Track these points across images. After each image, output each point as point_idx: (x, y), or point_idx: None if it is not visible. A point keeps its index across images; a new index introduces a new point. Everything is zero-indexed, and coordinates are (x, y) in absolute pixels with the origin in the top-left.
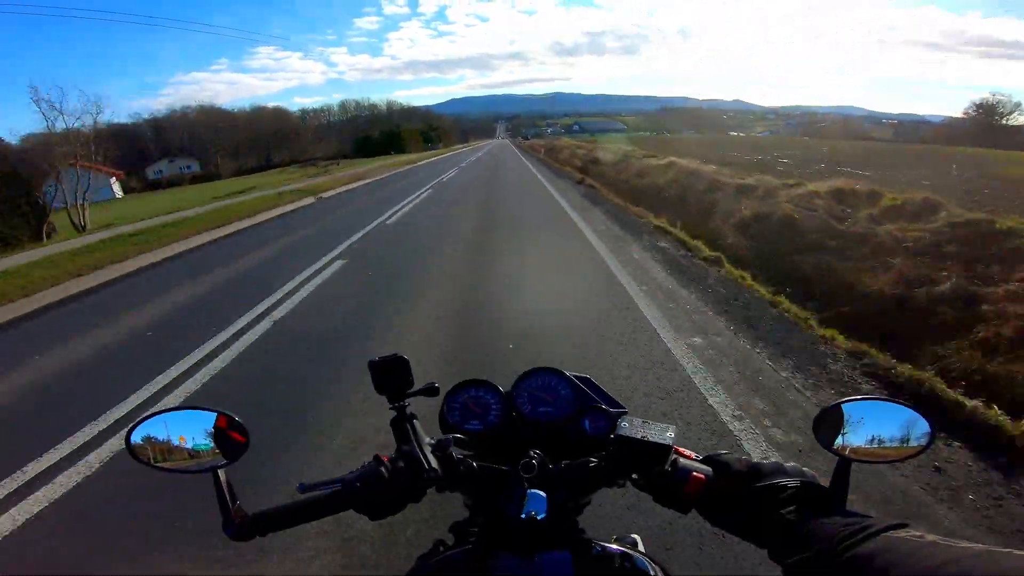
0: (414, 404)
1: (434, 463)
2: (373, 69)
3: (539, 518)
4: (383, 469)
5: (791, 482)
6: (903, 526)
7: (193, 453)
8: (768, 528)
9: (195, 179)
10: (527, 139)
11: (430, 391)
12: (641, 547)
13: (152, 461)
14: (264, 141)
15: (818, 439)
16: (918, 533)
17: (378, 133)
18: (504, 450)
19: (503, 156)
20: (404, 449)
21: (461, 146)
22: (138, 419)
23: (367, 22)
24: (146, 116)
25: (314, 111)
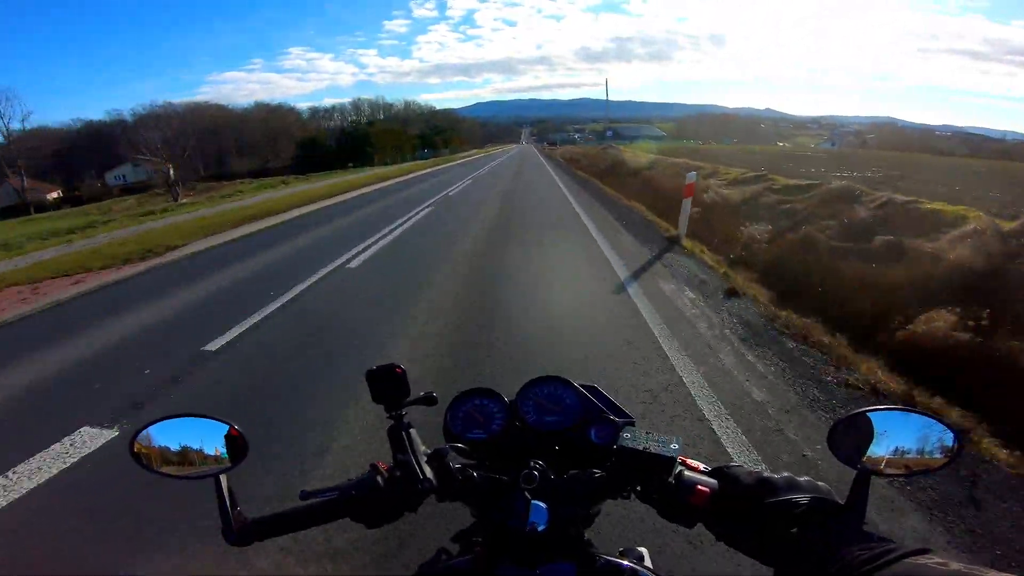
0: (413, 413)
1: (429, 473)
2: (402, 72)
3: (540, 529)
4: (379, 478)
5: (804, 498)
6: (925, 552)
7: (195, 459)
8: (778, 546)
9: (10, 211)
10: (554, 145)
11: (428, 400)
12: (648, 562)
13: (154, 466)
14: (257, 144)
15: (834, 451)
16: (941, 560)
17: (334, 140)
18: (507, 459)
19: (526, 173)
20: (400, 459)
21: (475, 152)
22: (141, 425)
23: (396, 25)
24: (129, 114)
25: (326, 111)
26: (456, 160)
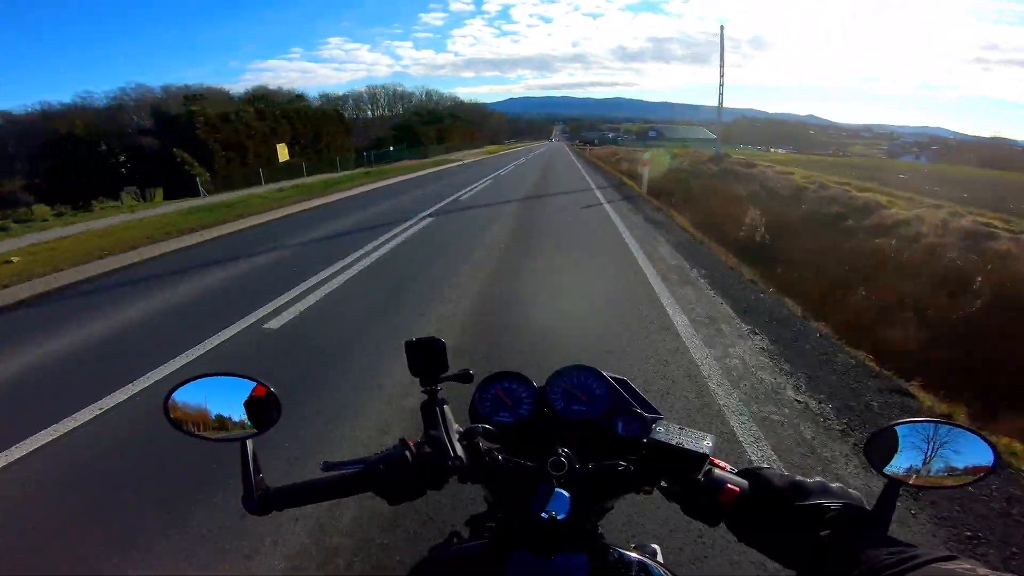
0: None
1: (460, 451)
2: (436, 65)
3: (560, 518)
4: (408, 453)
5: (834, 503)
6: (952, 558)
7: (224, 422)
8: (803, 550)
9: None
10: (593, 144)
11: (464, 377)
12: (660, 557)
13: (185, 427)
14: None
15: (869, 461)
16: (968, 566)
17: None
18: (532, 445)
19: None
20: (432, 434)
21: (468, 156)
22: (176, 384)
23: (432, 18)
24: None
25: (339, 98)
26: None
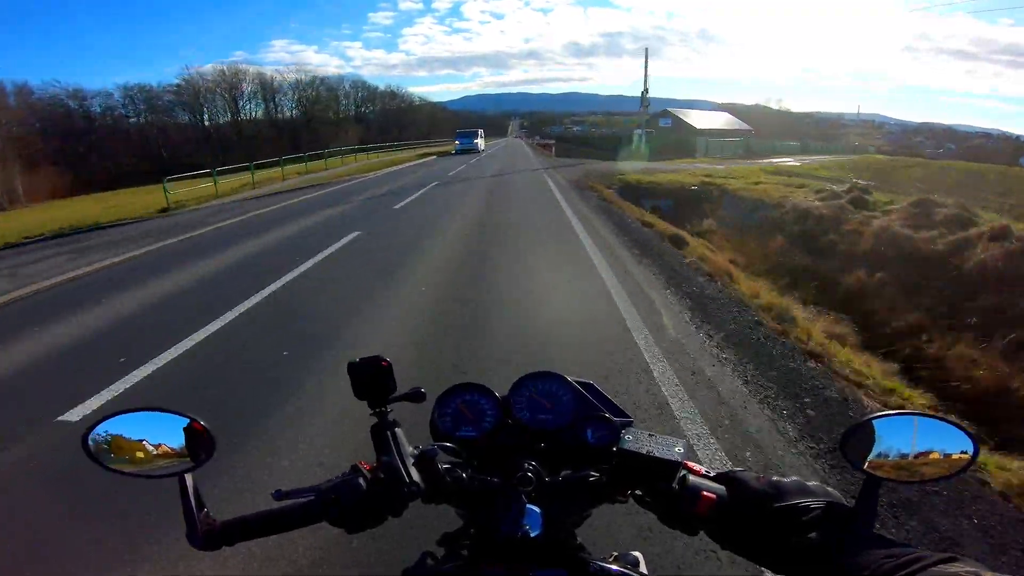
0: (399, 410)
1: (416, 476)
2: (389, 65)
3: (532, 535)
4: (361, 480)
5: (814, 502)
6: (954, 559)
7: (157, 456)
8: (788, 553)
9: None
10: (550, 142)
11: (415, 397)
12: (643, 567)
13: (111, 463)
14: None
15: (845, 456)
16: (972, 568)
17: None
18: (499, 458)
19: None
20: (384, 460)
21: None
22: (98, 419)
23: (382, 17)
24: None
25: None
26: None
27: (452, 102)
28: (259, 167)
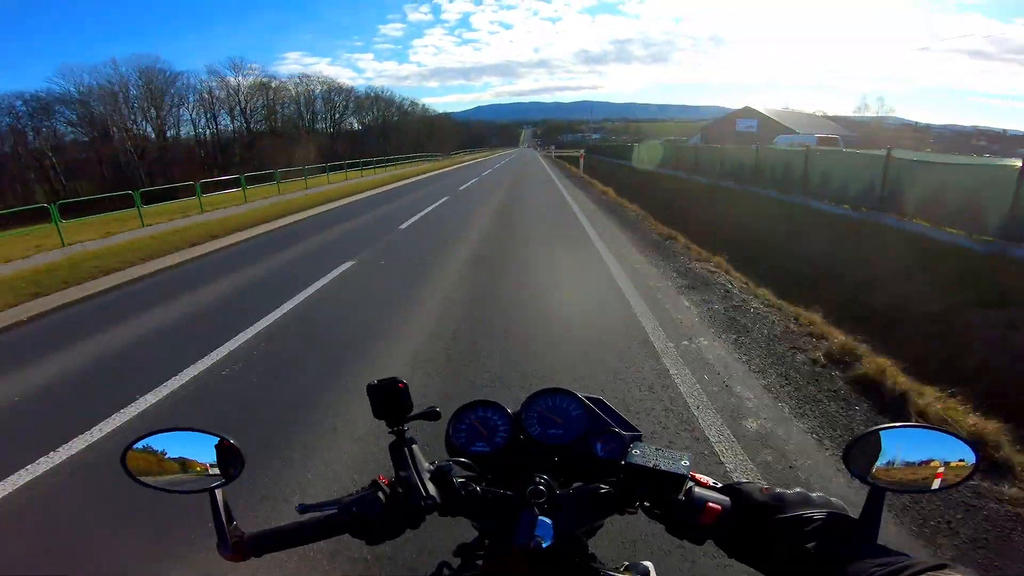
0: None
1: (432, 490)
2: (400, 76)
3: (544, 546)
4: (380, 494)
5: (817, 513)
6: (943, 567)
7: (189, 473)
8: (792, 563)
9: None
10: (559, 149)
11: (431, 415)
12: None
13: (147, 479)
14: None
15: (849, 468)
16: (959, 575)
17: None
18: (512, 473)
19: None
20: (402, 475)
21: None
22: (135, 437)
23: (392, 29)
24: None
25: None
26: None
27: (465, 112)
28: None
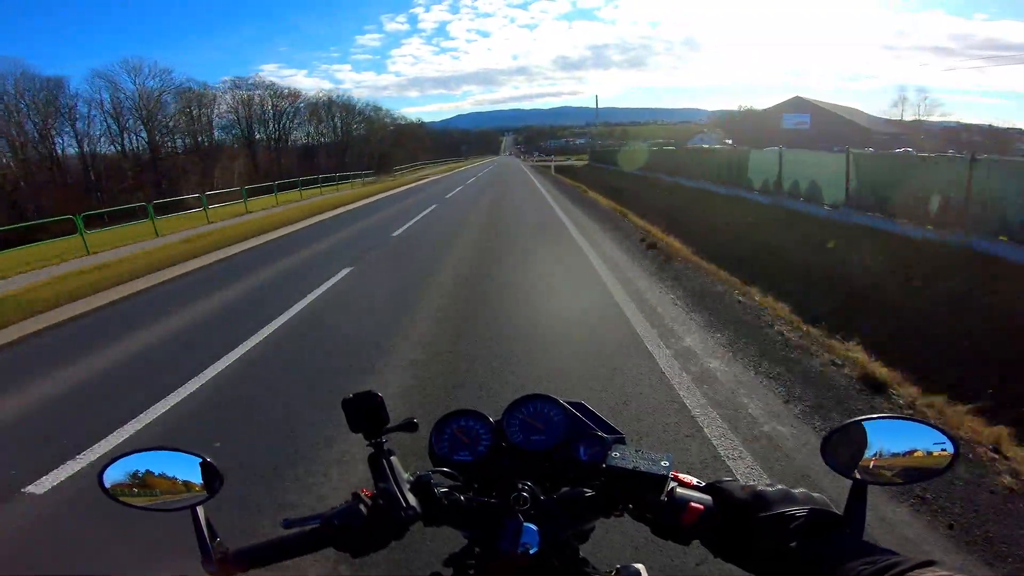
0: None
1: (412, 501)
2: (379, 86)
3: (532, 552)
4: (362, 507)
5: (800, 510)
6: (931, 564)
7: (169, 491)
8: (776, 561)
9: None
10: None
11: (408, 427)
12: None
13: (126, 499)
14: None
15: (827, 462)
16: (948, 572)
17: None
18: (495, 480)
19: None
20: (382, 487)
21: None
22: (112, 458)
23: (369, 39)
24: None
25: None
26: None
27: (445, 121)
28: None
